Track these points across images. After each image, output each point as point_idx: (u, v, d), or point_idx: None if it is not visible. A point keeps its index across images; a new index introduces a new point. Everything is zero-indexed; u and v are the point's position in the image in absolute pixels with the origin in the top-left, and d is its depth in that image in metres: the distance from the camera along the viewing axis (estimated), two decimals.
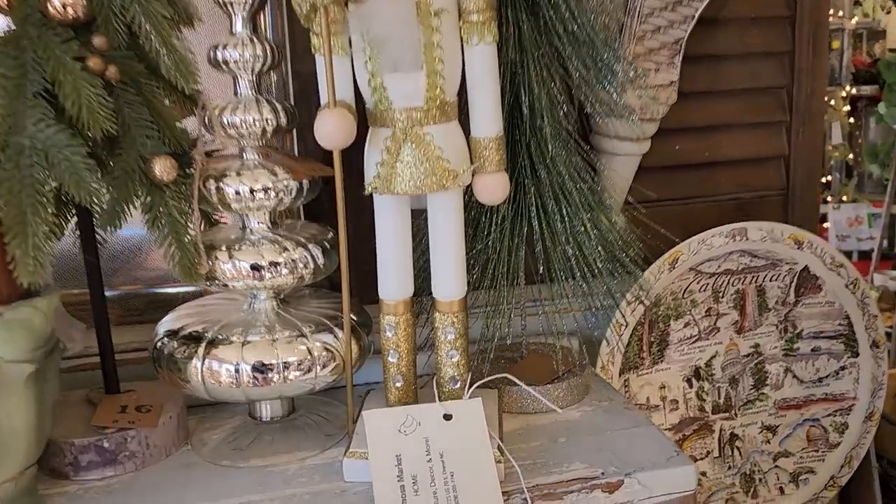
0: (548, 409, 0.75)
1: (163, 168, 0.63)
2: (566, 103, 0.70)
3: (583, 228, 0.70)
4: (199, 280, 0.66)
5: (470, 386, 0.68)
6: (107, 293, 0.86)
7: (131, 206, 0.64)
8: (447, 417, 0.65)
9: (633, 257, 0.74)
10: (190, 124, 0.69)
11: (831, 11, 4.07)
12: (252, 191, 0.65)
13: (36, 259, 0.56)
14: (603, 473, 0.65)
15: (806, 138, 1.06)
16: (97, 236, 0.69)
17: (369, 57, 0.59)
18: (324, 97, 0.60)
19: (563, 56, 0.68)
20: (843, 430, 0.98)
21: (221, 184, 0.66)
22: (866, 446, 0.98)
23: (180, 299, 0.83)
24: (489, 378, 0.69)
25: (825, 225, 3.83)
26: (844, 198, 4.01)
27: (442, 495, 0.59)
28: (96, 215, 0.64)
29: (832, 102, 4.06)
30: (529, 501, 0.63)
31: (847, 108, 4.08)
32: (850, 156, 4.23)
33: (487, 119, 0.63)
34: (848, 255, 3.79)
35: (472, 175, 0.64)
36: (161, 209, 0.64)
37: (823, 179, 4.25)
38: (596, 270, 0.71)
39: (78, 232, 0.68)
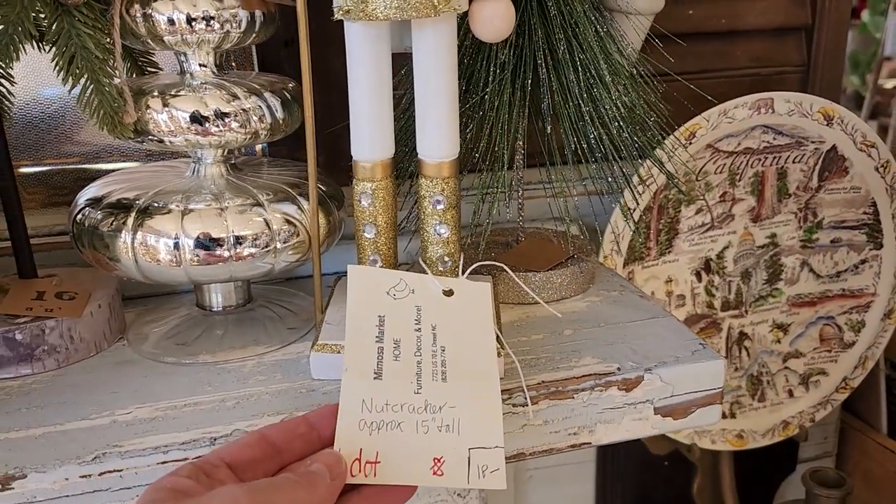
0: (549, 299, 0.64)
1: None
2: None
3: (599, 80, 0.58)
4: (125, 132, 0.52)
5: (464, 271, 0.56)
6: (27, 169, 0.73)
7: (31, 36, 0.50)
8: (448, 293, 0.53)
9: (657, 121, 0.62)
10: None
11: None
12: (190, 19, 0.51)
13: None
14: (619, 369, 0.55)
15: (833, 6, 0.93)
16: None
17: None
18: None
19: None
20: (858, 329, 0.89)
21: (149, 9, 0.51)
22: (882, 346, 0.90)
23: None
24: (485, 263, 0.57)
25: None
26: None
27: (427, 367, 0.47)
28: None
29: None
30: (528, 400, 0.53)
31: None
32: None
33: None
34: None
35: (469, 1, 0.51)
36: (71, 39, 0.50)
37: None
38: (615, 131, 0.59)
39: None
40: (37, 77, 0.71)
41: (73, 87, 0.51)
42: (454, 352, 0.48)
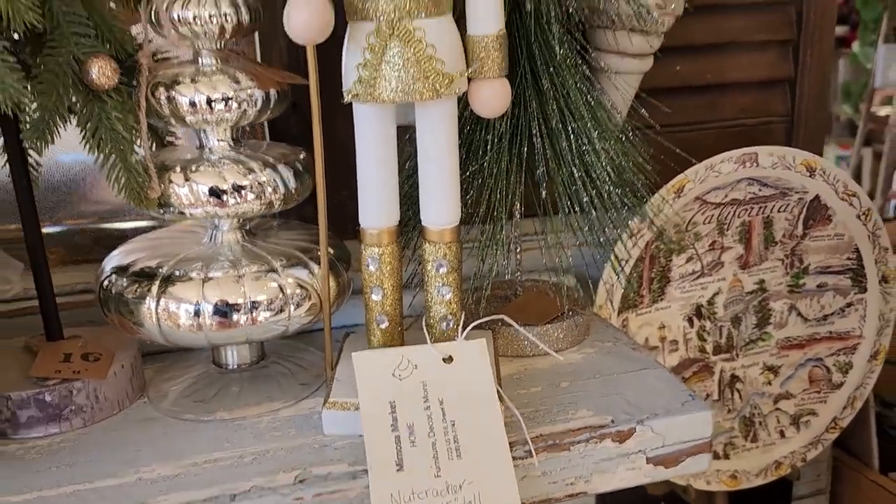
0: (547, 352, 0.68)
1: (101, 71, 0.53)
2: (575, 3, 0.60)
3: (591, 147, 0.62)
4: (150, 206, 0.56)
5: (464, 327, 0.60)
6: (49, 229, 0.77)
7: (64, 119, 0.54)
8: (447, 360, 0.57)
9: (645, 182, 0.66)
10: (136, 30, 0.59)
11: None
12: (210, 101, 0.56)
13: None
14: (613, 421, 0.58)
15: (814, 59, 0.98)
16: (29, 158, 0.59)
17: None
18: None
19: None
20: (846, 371, 0.93)
21: (173, 92, 0.56)
22: (870, 386, 0.93)
23: (132, 235, 0.74)
24: (485, 319, 0.61)
25: None
26: None
27: (442, 447, 0.52)
28: (24, 128, 0.54)
29: None
30: (534, 453, 0.56)
31: None
32: None
33: (487, 12, 0.54)
34: None
35: (469, 82, 0.55)
36: (102, 122, 0.54)
37: None
38: (605, 194, 0.63)
39: (5, 154, 0.57)
40: (59, 143, 0.76)
41: (102, 164, 0.55)
42: (463, 423, 0.52)
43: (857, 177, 3.60)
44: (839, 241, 0.89)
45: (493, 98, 0.55)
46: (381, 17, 0.51)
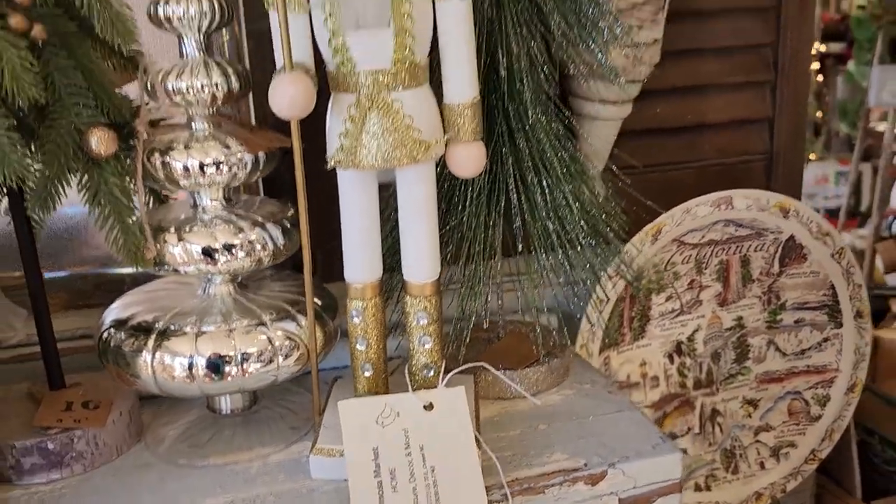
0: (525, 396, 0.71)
1: (100, 140, 0.56)
2: (547, 64, 0.64)
3: (564, 201, 0.65)
4: (146, 265, 0.59)
5: (445, 374, 0.63)
6: (50, 275, 0.80)
7: (66, 185, 0.57)
8: (427, 407, 0.60)
9: (617, 231, 0.69)
10: (132, 91, 0.63)
11: None
12: (202, 166, 0.59)
13: None
14: (586, 464, 0.61)
15: (790, 99, 1.01)
16: (32, 219, 0.63)
17: (329, 13, 0.53)
18: (279, 60, 0.54)
19: (543, 12, 0.62)
20: (824, 403, 0.95)
21: (168, 158, 0.59)
22: (847, 418, 0.96)
23: (130, 281, 0.77)
24: (465, 367, 0.64)
25: None
26: (812, 156, 4.03)
27: (422, 491, 0.55)
28: (28, 196, 0.57)
29: None
30: (509, 497, 0.59)
31: (816, 65, 4.08)
32: (819, 114, 4.24)
33: (462, 82, 0.57)
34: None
35: (446, 145, 0.59)
36: (101, 187, 0.58)
37: None
38: (578, 245, 0.66)
39: (10, 216, 0.61)
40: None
41: (101, 226, 0.58)
42: (442, 469, 0.55)
43: (857, 192, 3.63)
44: (815, 278, 0.92)
45: (468, 160, 0.59)
46: (362, 90, 0.54)
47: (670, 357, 0.90)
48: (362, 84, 0.54)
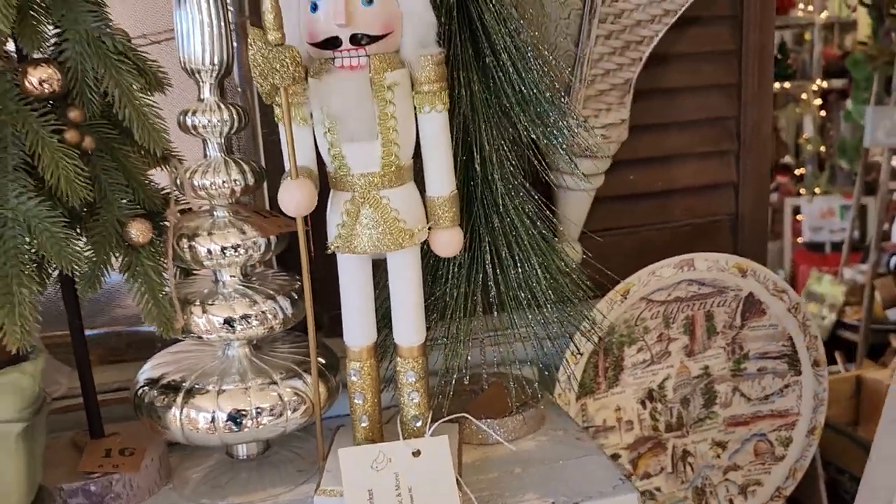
0: (506, 439, 0.80)
1: (139, 231, 0.68)
2: (515, 160, 0.75)
3: (534, 273, 0.76)
4: (175, 334, 0.70)
5: (431, 423, 0.73)
6: (88, 333, 0.90)
7: (110, 268, 0.68)
8: (416, 454, 0.70)
9: (582, 296, 0.79)
10: (161, 177, 0.74)
11: (801, 6, 4.16)
12: (223, 249, 0.70)
13: (23, 327, 0.60)
14: (553, 503, 0.71)
15: (753, 166, 1.12)
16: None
17: (328, 128, 0.64)
18: (287, 163, 0.65)
19: (511, 116, 0.73)
20: (787, 444, 1.04)
21: (194, 242, 0.70)
22: (809, 458, 1.04)
23: (159, 338, 0.87)
24: (448, 418, 0.74)
25: (798, 217, 3.93)
26: (817, 190, 4.11)
27: None
28: (76, 279, 0.68)
29: (804, 96, 4.16)
30: None
31: (818, 101, 4.18)
32: (823, 148, 4.33)
33: (441, 180, 0.68)
34: (821, 246, 3.86)
35: (429, 230, 0.69)
36: (137, 269, 0.69)
37: (797, 172, 4.35)
38: (547, 312, 0.76)
39: (61, 294, 0.72)
40: None
41: (137, 301, 0.69)
42: None
43: (863, 226, 3.70)
44: (774, 330, 1.01)
45: (448, 244, 0.69)
46: (356, 189, 0.65)
47: (643, 403, 0.99)
48: (356, 184, 0.65)
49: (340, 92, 0.62)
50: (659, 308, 0.97)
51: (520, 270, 0.76)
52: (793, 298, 0.99)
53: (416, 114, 0.66)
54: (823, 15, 4.17)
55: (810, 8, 4.17)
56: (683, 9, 0.91)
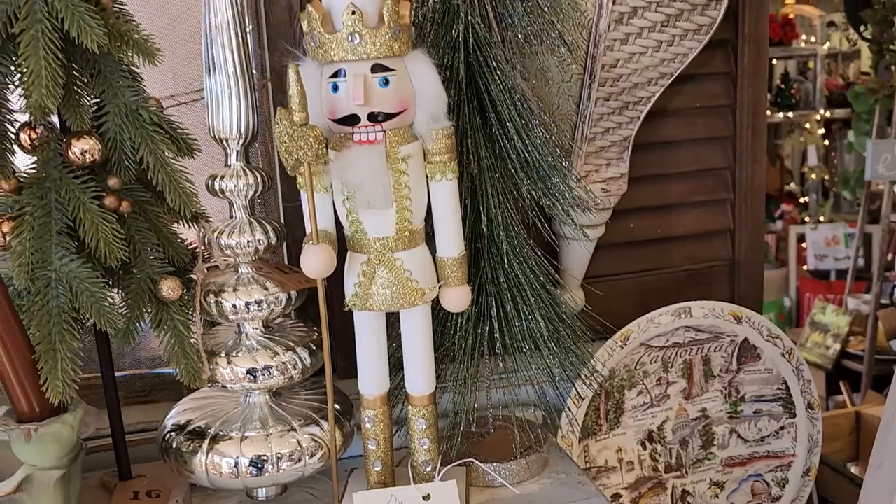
0: (511, 482, 0.84)
1: (170, 288, 0.73)
2: (519, 219, 0.80)
3: (537, 325, 0.80)
4: (202, 384, 0.75)
5: (441, 467, 0.77)
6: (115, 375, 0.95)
7: (142, 322, 0.74)
8: (426, 497, 0.74)
9: (584, 342, 0.84)
10: (184, 228, 0.79)
11: (803, 37, 4.22)
12: (247, 304, 0.75)
13: (64, 381, 0.65)
14: None
15: (748, 214, 1.16)
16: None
17: (346, 197, 0.69)
18: (308, 227, 0.70)
19: (515, 180, 0.78)
20: (783, 485, 1.08)
21: (220, 298, 0.75)
22: (805, 498, 1.08)
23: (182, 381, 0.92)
24: (457, 463, 0.78)
25: (803, 245, 3.96)
26: (822, 218, 4.14)
27: None
28: (112, 334, 0.73)
29: (807, 126, 4.21)
30: None
31: (822, 130, 4.23)
32: (826, 176, 4.37)
33: (451, 242, 0.73)
34: (826, 274, 3.88)
35: (439, 288, 0.74)
36: (168, 323, 0.74)
37: (802, 200, 4.40)
38: (549, 361, 0.81)
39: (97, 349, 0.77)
40: None
41: (167, 354, 0.74)
42: None
43: (867, 254, 3.72)
44: (769, 374, 1.05)
45: (456, 301, 0.74)
46: (371, 252, 0.70)
47: (643, 444, 1.04)
48: (372, 247, 0.70)
49: (359, 164, 0.67)
50: (658, 353, 1.02)
51: (524, 322, 0.81)
52: (786, 344, 1.03)
53: (427, 181, 0.71)
54: (825, 47, 4.24)
55: (812, 39, 4.24)
56: (679, 71, 0.97)
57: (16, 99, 0.70)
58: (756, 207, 1.16)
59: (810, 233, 3.98)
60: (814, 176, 4.38)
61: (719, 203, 1.16)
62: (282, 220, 0.90)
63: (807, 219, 4.21)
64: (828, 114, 4.19)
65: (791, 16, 3.99)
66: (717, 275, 1.17)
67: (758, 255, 1.18)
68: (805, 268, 3.96)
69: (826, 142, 4.34)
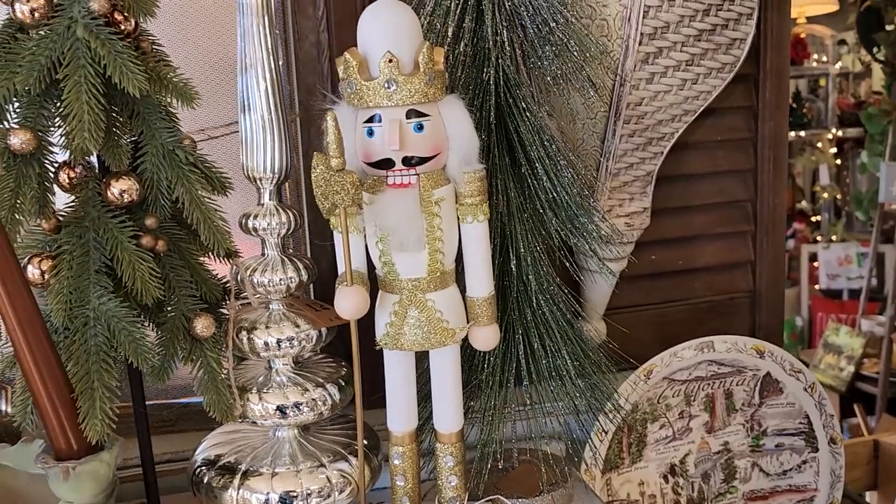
0: None
1: (204, 326, 0.74)
2: (547, 263, 0.81)
3: (564, 363, 0.81)
4: (233, 420, 0.76)
5: (468, 503, 0.78)
6: None
7: (177, 360, 0.75)
8: None
9: (609, 384, 0.84)
10: (219, 265, 0.80)
11: (815, 57, 4.23)
12: (279, 341, 0.76)
13: (103, 420, 0.66)
14: None
15: (769, 246, 1.17)
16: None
17: (379, 239, 0.70)
18: (341, 267, 0.71)
19: (543, 221, 0.79)
20: None
21: (252, 335, 0.76)
22: None
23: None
24: (484, 500, 0.79)
25: (815, 264, 3.95)
26: (834, 237, 4.14)
27: None
28: (146, 371, 0.74)
29: (819, 145, 4.21)
30: None
31: (833, 150, 4.23)
32: (839, 195, 4.37)
33: (481, 282, 0.74)
34: (838, 294, 3.86)
35: (469, 327, 0.75)
36: (201, 360, 0.75)
37: (814, 218, 4.39)
38: (575, 398, 0.82)
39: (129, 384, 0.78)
40: None
41: (199, 389, 0.75)
42: None
43: (881, 275, 3.71)
44: (791, 408, 1.05)
45: (486, 339, 0.75)
46: (403, 293, 0.71)
47: (665, 477, 1.04)
48: (404, 288, 0.71)
49: (393, 209, 0.68)
50: (680, 387, 1.02)
51: (550, 360, 0.81)
52: (808, 378, 1.03)
53: (458, 223, 0.72)
54: (837, 66, 4.25)
55: (824, 58, 4.25)
56: (703, 108, 0.98)
57: (56, 139, 0.71)
58: (777, 239, 1.17)
59: (822, 252, 3.97)
60: (826, 195, 4.38)
61: (740, 235, 1.16)
62: (309, 255, 0.91)
63: (819, 238, 4.21)
64: (840, 133, 4.19)
65: (802, 35, 4.00)
66: (738, 306, 1.18)
67: (778, 286, 1.18)
68: (817, 287, 3.95)
69: (838, 161, 4.34)
